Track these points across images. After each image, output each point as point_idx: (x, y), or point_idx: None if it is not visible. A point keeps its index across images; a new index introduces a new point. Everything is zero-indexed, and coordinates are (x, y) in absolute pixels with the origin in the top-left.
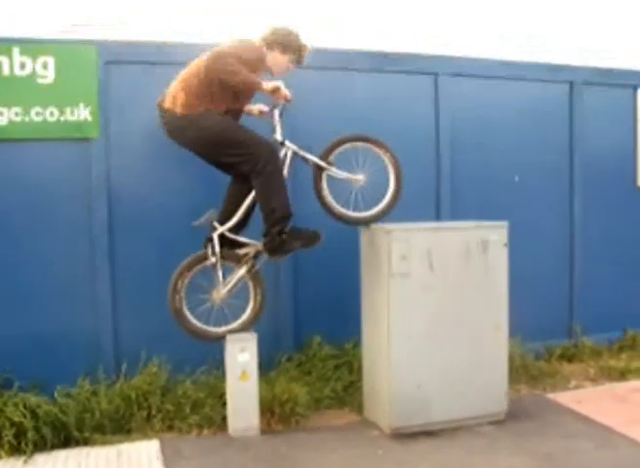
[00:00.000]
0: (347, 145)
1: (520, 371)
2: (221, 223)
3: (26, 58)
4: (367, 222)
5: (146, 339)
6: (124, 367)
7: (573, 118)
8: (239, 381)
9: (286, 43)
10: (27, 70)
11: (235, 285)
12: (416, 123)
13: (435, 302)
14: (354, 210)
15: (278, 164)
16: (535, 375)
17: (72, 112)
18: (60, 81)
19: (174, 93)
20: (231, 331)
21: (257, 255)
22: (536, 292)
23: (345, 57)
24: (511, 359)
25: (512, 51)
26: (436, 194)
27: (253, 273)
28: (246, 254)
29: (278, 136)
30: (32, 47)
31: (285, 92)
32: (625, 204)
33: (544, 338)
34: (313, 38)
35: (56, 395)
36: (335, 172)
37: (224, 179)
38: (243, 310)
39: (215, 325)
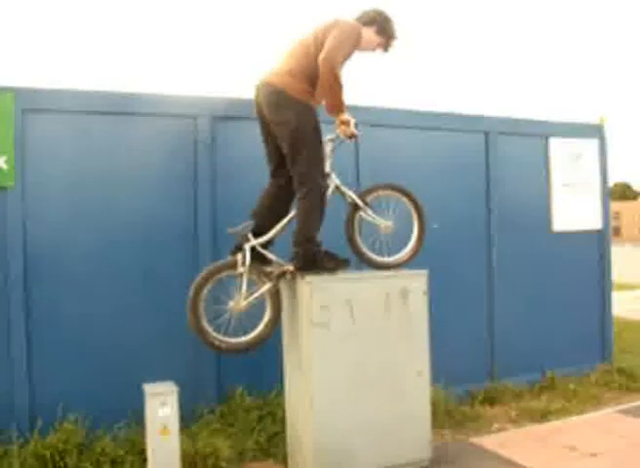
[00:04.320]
0: (380, 192)
1: (444, 417)
2: (255, 236)
3: None
4: (391, 267)
5: (63, 393)
6: (39, 423)
7: (489, 166)
8: (160, 437)
9: (384, 26)
10: None
11: (256, 299)
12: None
13: (357, 351)
14: (378, 254)
15: (323, 198)
16: (458, 420)
17: None
18: None
19: (286, 70)
20: (241, 343)
21: (280, 275)
22: (456, 337)
23: None
24: (435, 404)
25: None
26: None
27: (273, 292)
28: (271, 272)
29: (327, 168)
30: None
31: (353, 129)
32: (541, 248)
33: (467, 383)
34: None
35: None
36: (369, 214)
37: (145, 230)
38: (254, 326)
39: (225, 335)
